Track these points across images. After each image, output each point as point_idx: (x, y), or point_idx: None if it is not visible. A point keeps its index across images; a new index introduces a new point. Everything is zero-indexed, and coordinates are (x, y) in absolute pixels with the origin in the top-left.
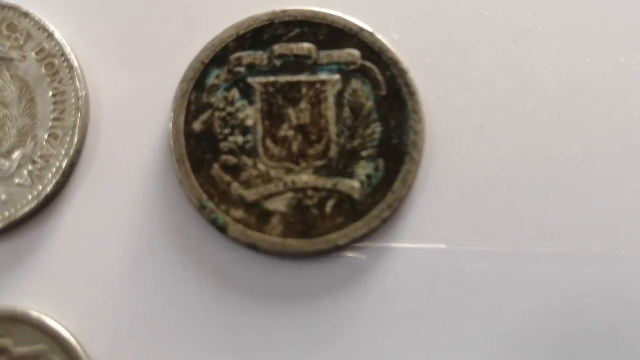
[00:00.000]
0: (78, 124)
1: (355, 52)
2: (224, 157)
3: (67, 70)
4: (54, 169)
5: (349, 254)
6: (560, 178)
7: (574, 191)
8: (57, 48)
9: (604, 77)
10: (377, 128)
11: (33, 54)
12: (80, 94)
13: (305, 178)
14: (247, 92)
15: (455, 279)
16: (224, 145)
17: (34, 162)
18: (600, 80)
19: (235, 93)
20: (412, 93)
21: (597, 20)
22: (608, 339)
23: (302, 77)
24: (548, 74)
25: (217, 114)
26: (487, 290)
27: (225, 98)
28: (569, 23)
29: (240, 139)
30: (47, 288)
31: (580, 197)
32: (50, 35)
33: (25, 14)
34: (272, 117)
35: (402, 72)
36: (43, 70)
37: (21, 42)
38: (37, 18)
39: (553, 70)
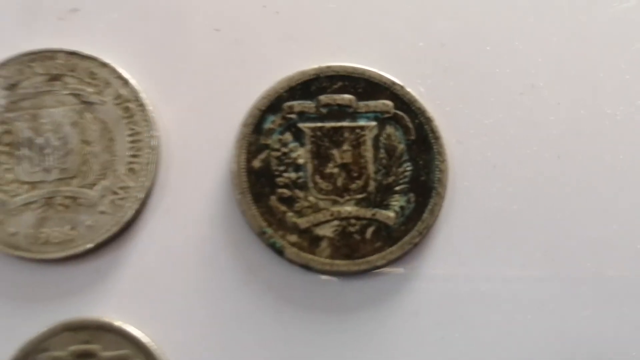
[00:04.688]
0: (152, 161)
1: (389, 103)
2: (280, 191)
3: (142, 114)
4: (132, 199)
5: (386, 273)
6: (560, 210)
7: (571, 221)
8: (132, 94)
9: (594, 125)
10: (408, 167)
11: (111, 99)
12: (153, 134)
13: (348, 209)
14: (298, 136)
15: (473, 295)
16: (279, 180)
17: (114, 193)
18: (592, 128)
19: (288, 136)
20: (437, 138)
21: (588, 78)
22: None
23: (345, 123)
24: (549, 122)
25: (273, 153)
26: (499, 304)
27: (280, 140)
28: (566, 80)
29: (293, 175)
30: (127, 301)
31: (576, 225)
32: (125, 83)
33: (104, 64)
34: (320, 157)
35: (429, 120)
36: (120, 113)
37: (101, 89)
38: (114, 67)
39: (553, 120)
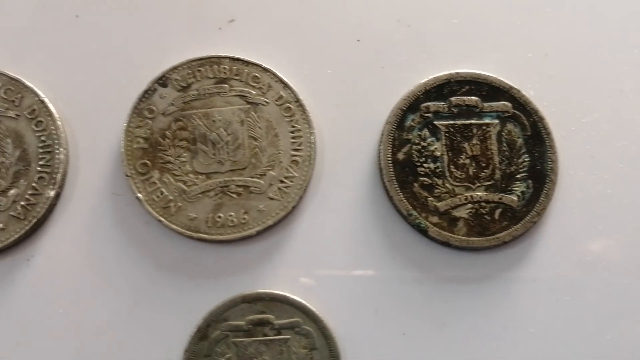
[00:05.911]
0: (312, 154)
1: (508, 104)
2: (421, 179)
3: (301, 114)
4: (297, 187)
5: (512, 247)
6: None
7: None
8: (292, 96)
9: None
10: (526, 158)
11: (273, 100)
12: (312, 131)
13: (479, 194)
14: (434, 132)
15: (580, 263)
16: (420, 170)
17: (281, 182)
18: None
19: (426, 132)
20: (548, 133)
21: None
22: None
23: (473, 121)
24: (633, 121)
25: (414, 147)
26: (601, 269)
27: (420, 136)
28: None
29: (432, 165)
30: (293, 275)
31: None
32: (285, 86)
33: (265, 69)
34: (454, 150)
35: (541, 119)
36: (282, 112)
37: (264, 91)
38: (274, 72)
39: (637, 118)
